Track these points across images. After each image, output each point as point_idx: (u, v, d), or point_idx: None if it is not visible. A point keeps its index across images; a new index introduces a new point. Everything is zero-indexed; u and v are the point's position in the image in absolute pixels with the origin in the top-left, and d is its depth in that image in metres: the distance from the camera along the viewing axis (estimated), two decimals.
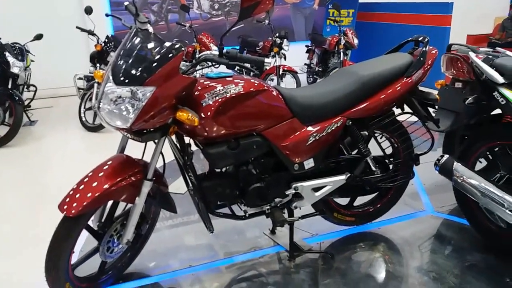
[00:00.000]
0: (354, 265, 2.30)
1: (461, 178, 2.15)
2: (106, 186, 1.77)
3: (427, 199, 3.00)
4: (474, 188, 2.11)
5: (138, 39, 1.77)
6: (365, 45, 6.33)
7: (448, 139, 2.82)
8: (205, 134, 1.89)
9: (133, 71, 1.68)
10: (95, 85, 5.08)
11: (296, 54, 6.69)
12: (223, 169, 2.11)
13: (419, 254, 2.39)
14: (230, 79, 1.92)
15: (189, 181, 2.07)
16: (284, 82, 5.77)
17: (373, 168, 2.31)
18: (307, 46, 7.19)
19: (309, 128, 2.11)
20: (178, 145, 2.05)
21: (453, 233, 2.60)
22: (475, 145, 2.34)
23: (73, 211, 1.71)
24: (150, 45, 1.74)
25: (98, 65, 5.22)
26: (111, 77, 1.71)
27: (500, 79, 2.04)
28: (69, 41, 6.85)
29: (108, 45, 5.20)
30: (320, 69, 6.70)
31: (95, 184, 1.78)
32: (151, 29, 1.84)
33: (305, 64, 7.06)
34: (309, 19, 8.21)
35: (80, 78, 5.70)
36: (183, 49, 1.76)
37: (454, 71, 2.63)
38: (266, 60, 1.84)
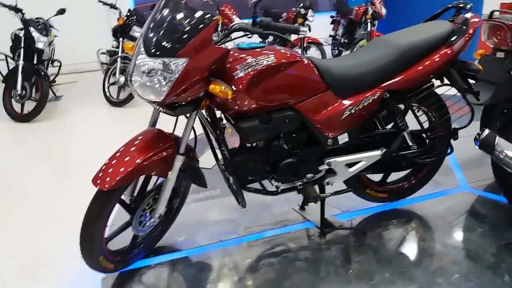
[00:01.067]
0: (386, 242, 2.25)
1: (504, 153, 2.05)
2: (139, 160, 1.76)
3: (462, 175, 2.90)
4: None
5: (169, 9, 1.71)
6: (393, 15, 6.08)
7: (487, 113, 2.69)
8: (237, 107, 1.84)
9: (165, 42, 1.63)
10: (119, 59, 5.06)
11: (320, 25, 6.50)
12: (254, 144, 2.06)
13: (453, 232, 2.32)
14: (262, 50, 1.85)
15: (220, 155, 2.04)
16: (308, 54, 5.62)
17: (410, 143, 2.22)
18: (332, 16, 6.97)
19: (344, 101, 2.02)
20: (209, 119, 2.01)
21: (488, 210, 2.51)
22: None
23: (107, 185, 1.70)
24: (182, 15, 1.68)
25: (120, 39, 5.17)
26: (142, 49, 1.66)
27: None
28: (92, 16, 6.83)
29: (130, 18, 5.15)
30: (345, 41, 6.50)
31: (128, 158, 1.76)
32: None
33: (330, 35, 6.87)
34: None
35: (103, 53, 5.69)
36: (215, 18, 1.69)
37: (496, 40, 2.48)
38: (302, 28, 1.75)
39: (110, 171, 1.73)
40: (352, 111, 2.02)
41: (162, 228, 2.24)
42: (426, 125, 2.36)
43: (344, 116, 2.02)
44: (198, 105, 1.81)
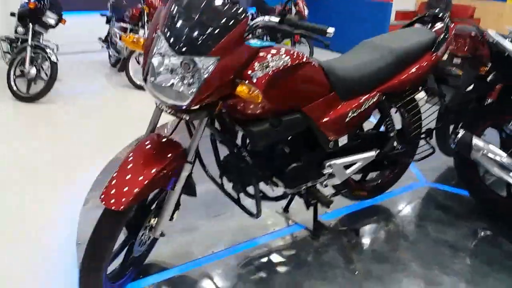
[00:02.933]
0: (377, 240, 2.31)
1: (481, 152, 2.25)
2: (153, 173, 1.51)
3: (417, 170, 3.13)
4: (494, 161, 2.22)
5: (197, 0, 1.50)
6: (315, 16, 6.31)
7: (442, 116, 2.92)
8: (250, 110, 1.70)
9: (196, 38, 1.42)
10: (28, 48, 4.40)
11: None
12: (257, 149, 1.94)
13: (430, 224, 2.48)
14: (275, 50, 1.74)
15: (229, 161, 1.89)
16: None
17: (395, 143, 2.31)
18: (251, 14, 6.96)
19: (348, 103, 2.01)
20: (217, 123, 1.84)
21: (451, 202, 2.74)
22: (481, 120, 2.45)
23: (122, 206, 1.43)
24: (213, 7, 1.48)
25: (30, 25, 4.48)
26: (166, 45, 1.43)
27: None
28: None
29: (43, 2, 4.48)
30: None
31: (140, 172, 1.51)
32: None
33: None
34: None
35: (3, 40, 4.89)
36: (248, 13, 1.53)
37: (455, 47, 2.70)
38: (329, 29, 1.68)
39: (123, 188, 1.46)
40: (355, 113, 2.02)
41: (151, 244, 2.00)
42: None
43: (348, 119, 2.01)
44: (214, 108, 1.64)
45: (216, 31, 1.44)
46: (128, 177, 1.49)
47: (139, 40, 1.64)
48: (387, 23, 6.68)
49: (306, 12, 6.09)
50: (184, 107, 1.49)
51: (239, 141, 1.89)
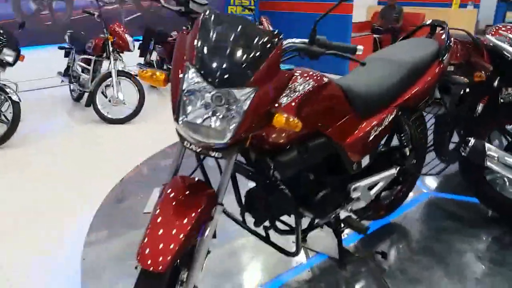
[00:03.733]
0: (404, 260, 2.22)
1: (496, 159, 2.23)
2: (188, 223, 1.34)
3: (419, 182, 3.09)
4: (508, 166, 2.21)
5: (226, 26, 1.36)
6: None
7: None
8: (279, 140, 1.57)
9: (234, 68, 1.28)
10: None
11: None
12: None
13: (450, 235, 2.43)
14: (298, 73, 1.63)
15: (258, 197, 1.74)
16: None
17: (411, 158, 2.25)
18: None
19: (369, 122, 1.93)
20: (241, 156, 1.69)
21: (461, 210, 2.73)
22: (486, 126, 2.46)
23: (161, 266, 1.25)
24: (247, 31, 1.35)
25: None
26: (200, 78, 1.27)
27: None
28: None
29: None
30: None
31: (175, 223, 1.33)
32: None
33: None
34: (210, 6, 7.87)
35: None
36: (281, 37, 1.41)
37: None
38: (359, 46, 1.58)
39: (159, 246, 1.28)
40: (377, 131, 1.94)
41: None
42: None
43: (371, 138, 1.92)
44: (244, 142, 1.49)
45: (253, 59, 1.30)
46: (162, 232, 1.31)
47: (157, 74, 1.46)
48: (349, 35, 6.80)
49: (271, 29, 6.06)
50: (221, 145, 1.33)
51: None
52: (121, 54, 4.87)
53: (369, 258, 2.23)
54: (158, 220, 1.35)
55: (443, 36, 2.28)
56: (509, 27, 3.31)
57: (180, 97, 1.31)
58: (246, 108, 1.29)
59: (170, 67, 5.99)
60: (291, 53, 1.53)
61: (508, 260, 2.21)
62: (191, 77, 1.30)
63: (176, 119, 1.32)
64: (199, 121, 1.30)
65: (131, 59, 5.46)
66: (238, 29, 1.35)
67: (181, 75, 1.31)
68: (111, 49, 4.71)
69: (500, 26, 3.39)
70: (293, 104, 1.53)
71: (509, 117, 2.43)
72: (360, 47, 1.56)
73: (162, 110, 5.13)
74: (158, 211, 1.37)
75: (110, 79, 4.66)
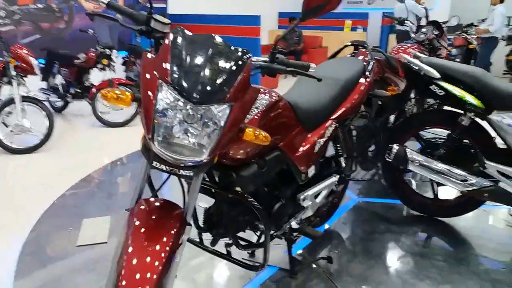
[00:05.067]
0: (348, 260, 2.37)
1: (418, 162, 2.51)
2: (163, 249, 1.31)
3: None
4: (429, 169, 2.50)
5: (198, 42, 1.37)
6: None
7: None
8: (240, 156, 1.61)
9: (211, 84, 1.29)
10: None
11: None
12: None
13: (383, 236, 2.65)
14: (254, 89, 1.70)
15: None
16: None
17: (348, 166, 2.42)
18: (124, 58, 6.64)
19: (313, 134, 2.05)
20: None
21: (388, 211, 2.99)
22: (404, 133, 2.76)
23: None
24: (219, 49, 1.37)
25: None
26: (176, 96, 1.26)
27: (437, 74, 2.48)
28: None
29: None
30: None
31: (150, 251, 1.29)
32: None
33: (128, 77, 6.52)
34: (113, 29, 7.59)
35: None
36: (249, 54, 1.46)
37: None
38: (311, 65, 1.69)
39: (137, 277, 1.23)
40: (322, 142, 2.08)
41: None
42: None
43: (316, 149, 2.04)
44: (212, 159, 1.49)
45: (228, 75, 1.33)
46: (137, 262, 1.26)
47: (125, 93, 1.38)
48: (259, 55, 7.08)
49: None
50: (199, 163, 1.32)
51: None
52: (24, 78, 4.49)
53: (316, 264, 2.33)
54: (131, 249, 1.28)
55: (366, 55, 2.53)
56: (403, 48, 3.78)
57: (154, 116, 1.28)
58: (223, 124, 1.30)
59: (77, 90, 5.67)
60: (254, 70, 1.58)
61: (435, 251, 2.49)
62: (166, 95, 1.28)
63: (151, 138, 1.28)
64: (176, 139, 1.28)
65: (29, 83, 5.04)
66: (211, 46, 1.38)
67: (154, 93, 1.28)
68: (13, 73, 4.31)
69: (398, 47, 3.84)
70: (256, 118, 1.59)
71: (421, 125, 2.75)
72: (312, 64, 1.68)
73: (72, 136, 4.80)
74: (130, 239, 1.31)
75: (12, 105, 4.25)
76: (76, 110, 5.85)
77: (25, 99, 4.27)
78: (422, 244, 2.58)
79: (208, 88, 1.28)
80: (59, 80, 5.77)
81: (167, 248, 1.31)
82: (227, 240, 1.92)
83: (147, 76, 1.33)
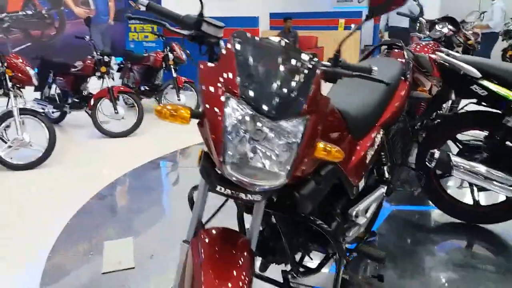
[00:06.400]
0: (399, 280, 2.22)
1: (462, 168, 2.37)
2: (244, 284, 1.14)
3: None
4: (474, 174, 2.36)
5: (265, 48, 1.20)
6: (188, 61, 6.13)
7: None
8: (305, 171, 1.45)
9: (289, 96, 1.13)
10: None
11: None
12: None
13: (429, 248, 2.51)
14: (325, 97, 1.55)
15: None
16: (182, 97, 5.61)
17: (396, 176, 2.27)
18: (119, 64, 6.41)
19: (363, 143, 1.89)
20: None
21: (425, 219, 2.87)
22: (443, 136, 2.62)
23: None
24: (290, 56, 1.21)
25: None
26: (249, 110, 1.08)
27: (478, 73, 2.34)
28: None
29: None
30: (147, 88, 6.08)
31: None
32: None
33: (125, 84, 6.29)
34: (106, 35, 7.34)
35: None
36: (317, 58, 1.29)
37: None
38: (374, 67, 1.53)
39: None
40: (372, 152, 1.92)
41: None
42: None
43: (367, 160, 1.89)
44: None
45: (302, 84, 1.16)
46: None
47: (182, 110, 1.19)
48: None
49: (184, 56, 5.89)
50: (277, 187, 1.15)
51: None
52: (21, 89, 4.24)
53: (368, 284, 2.17)
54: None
55: (401, 56, 2.38)
56: (420, 46, 3.62)
57: (224, 135, 1.10)
58: (299, 141, 1.14)
59: (76, 100, 5.41)
60: None
61: (485, 261, 2.36)
62: (236, 110, 1.10)
63: (223, 161, 1.10)
64: (250, 161, 1.11)
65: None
66: (279, 51, 1.21)
67: (221, 109, 1.10)
68: (10, 84, 4.06)
69: (414, 46, 3.69)
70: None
71: (458, 127, 2.62)
72: (375, 67, 1.53)
73: (74, 149, 4.57)
74: (200, 275, 1.14)
75: (11, 119, 4.00)
76: (73, 120, 5.60)
77: (23, 111, 4.04)
78: (471, 255, 2.44)
79: (284, 100, 1.11)
80: (53, 89, 5.52)
81: (245, 285, 1.15)
82: (279, 266, 1.75)
83: (210, 89, 1.15)
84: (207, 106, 1.14)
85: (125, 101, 5.90)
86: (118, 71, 6.46)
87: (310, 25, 9.91)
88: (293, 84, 1.15)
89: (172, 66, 5.74)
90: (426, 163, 2.46)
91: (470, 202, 2.70)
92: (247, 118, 1.09)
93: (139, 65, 6.16)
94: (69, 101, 5.33)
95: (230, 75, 1.13)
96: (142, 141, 4.89)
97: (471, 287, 2.15)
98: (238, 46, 1.18)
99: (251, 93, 1.10)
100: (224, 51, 1.21)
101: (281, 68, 1.16)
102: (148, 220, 2.94)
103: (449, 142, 2.78)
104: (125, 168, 3.91)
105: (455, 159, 2.39)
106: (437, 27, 3.96)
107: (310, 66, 1.22)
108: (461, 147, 2.62)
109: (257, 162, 1.11)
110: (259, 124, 1.09)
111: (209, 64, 1.22)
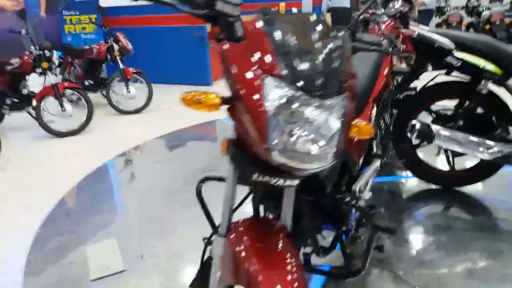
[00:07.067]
0: (397, 248, 2.27)
1: (442, 136, 2.46)
2: (297, 274, 1.10)
3: None
4: (454, 140, 2.46)
5: (297, 24, 1.11)
6: (136, 49, 5.78)
7: None
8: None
9: (329, 74, 1.05)
10: None
11: None
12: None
13: (407, 216, 2.59)
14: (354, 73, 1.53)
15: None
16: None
17: (389, 148, 2.30)
18: (58, 59, 5.92)
19: (359, 119, 1.88)
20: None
21: (404, 188, 2.95)
22: (417, 107, 2.70)
23: None
24: (322, 31, 1.12)
25: None
26: (293, 91, 0.99)
27: (452, 45, 2.42)
28: None
29: None
30: (91, 83, 5.69)
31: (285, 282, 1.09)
32: None
33: (66, 79, 5.84)
34: (38, 29, 6.74)
35: None
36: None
37: None
38: (384, 41, 1.51)
39: None
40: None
41: None
42: None
43: None
44: None
45: (338, 60, 1.09)
46: None
47: (207, 95, 1.08)
48: (206, 47, 6.66)
49: (130, 46, 5.57)
50: (321, 169, 1.08)
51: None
52: None
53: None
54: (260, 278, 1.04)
55: (379, 32, 2.40)
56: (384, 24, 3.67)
57: (267, 118, 1.00)
58: (343, 119, 1.08)
59: (15, 100, 4.92)
60: None
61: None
62: (278, 91, 1.00)
63: (267, 147, 1.01)
64: (297, 145, 1.03)
65: None
66: (310, 27, 1.12)
67: (260, 92, 1.00)
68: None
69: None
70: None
71: (432, 98, 2.72)
72: (384, 41, 1.51)
73: (21, 153, 4.18)
74: (251, 269, 1.07)
75: None
76: (14, 122, 5.13)
77: None
78: (453, 218, 2.56)
79: (326, 77, 1.04)
80: None
81: (294, 268, 1.12)
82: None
83: (243, 70, 1.05)
84: (243, 88, 1.03)
85: (69, 98, 5.48)
86: (58, 66, 5.98)
87: (252, 10, 9.78)
88: (331, 61, 1.08)
89: (118, 57, 5.41)
90: (408, 134, 2.52)
91: (446, 168, 2.81)
92: (292, 99, 1.00)
93: (80, 59, 5.75)
94: (8, 102, 4.85)
95: (265, 54, 1.03)
96: (94, 138, 4.58)
97: (460, 247, 2.24)
98: (267, 23, 1.08)
99: (293, 72, 1.01)
100: (250, 29, 1.11)
101: (317, 45, 1.08)
102: (124, 219, 2.76)
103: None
104: (84, 170, 3.62)
105: (436, 128, 2.47)
106: (390, 5, 4.06)
107: (341, 41, 1.16)
108: (435, 117, 2.71)
109: (303, 144, 1.04)
110: (305, 104, 1.01)
111: (233, 44, 1.12)
